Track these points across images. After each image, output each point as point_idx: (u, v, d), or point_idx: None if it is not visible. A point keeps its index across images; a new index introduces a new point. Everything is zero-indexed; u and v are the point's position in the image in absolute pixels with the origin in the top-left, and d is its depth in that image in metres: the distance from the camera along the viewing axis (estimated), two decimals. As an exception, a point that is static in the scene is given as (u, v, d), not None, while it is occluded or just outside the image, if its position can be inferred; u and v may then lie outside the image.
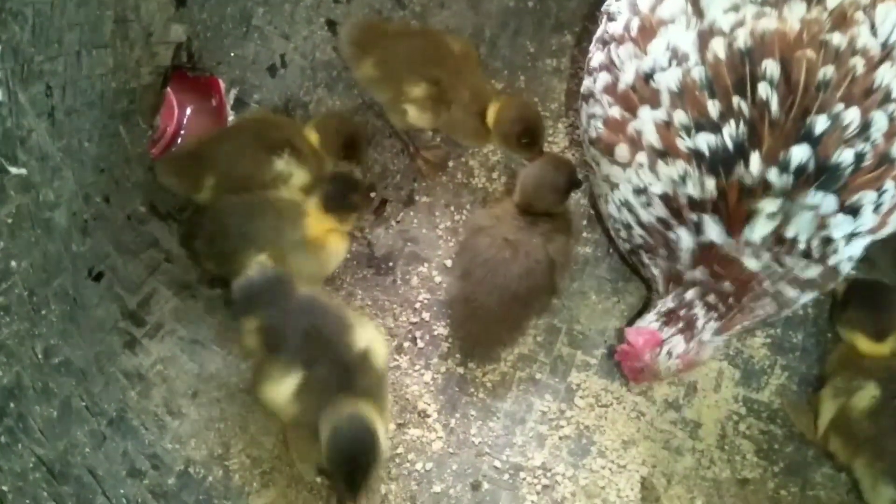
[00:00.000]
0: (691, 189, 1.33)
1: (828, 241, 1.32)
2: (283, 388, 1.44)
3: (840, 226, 1.30)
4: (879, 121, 1.25)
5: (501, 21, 2.09)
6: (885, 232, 1.37)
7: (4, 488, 1.23)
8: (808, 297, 1.41)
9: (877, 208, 1.30)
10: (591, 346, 1.78)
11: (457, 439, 1.69)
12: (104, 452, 1.47)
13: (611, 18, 1.47)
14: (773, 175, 1.27)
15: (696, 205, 1.34)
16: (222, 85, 2.10)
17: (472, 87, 1.83)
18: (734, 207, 1.31)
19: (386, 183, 2.00)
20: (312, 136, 1.86)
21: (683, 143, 1.32)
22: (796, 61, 1.24)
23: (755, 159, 1.27)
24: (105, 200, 1.73)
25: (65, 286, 1.53)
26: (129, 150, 1.84)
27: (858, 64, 1.25)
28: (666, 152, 1.34)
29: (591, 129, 1.48)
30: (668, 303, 1.42)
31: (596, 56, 1.49)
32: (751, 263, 1.34)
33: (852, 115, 1.25)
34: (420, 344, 1.80)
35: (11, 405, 1.28)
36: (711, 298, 1.37)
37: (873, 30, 1.26)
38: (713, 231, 1.34)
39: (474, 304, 1.65)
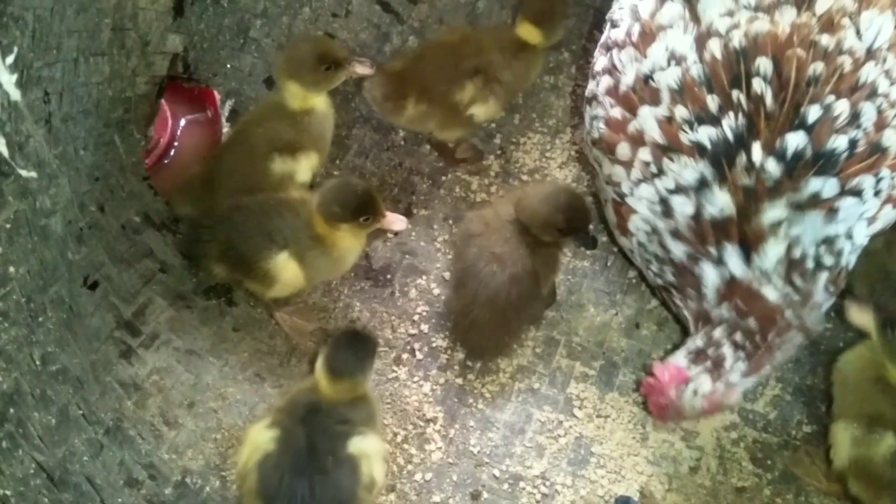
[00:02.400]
0: (711, 206, 1.39)
1: (831, 242, 1.39)
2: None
3: (848, 210, 1.37)
4: (868, 112, 1.35)
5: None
6: (877, 227, 1.45)
7: (8, 493, 1.23)
8: (828, 304, 1.48)
9: (877, 193, 1.38)
10: (590, 358, 1.82)
11: (456, 449, 1.72)
12: (102, 461, 1.47)
13: (614, 25, 1.57)
14: (772, 164, 1.35)
15: (720, 226, 1.39)
16: (217, 97, 2.14)
17: (497, 47, 1.90)
18: (748, 221, 1.37)
19: (384, 196, 2.04)
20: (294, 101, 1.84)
21: (686, 137, 1.40)
22: (787, 59, 1.34)
23: (756, 148, 1.35)
24: (100, 209, 1.75)
25: (61, 294, 1.53)
26: (123, 159, 1.86)
27: (846, 62, 1.35)
28: (669, 147, 1.42)
29: (594, 130, 1.56)
30: (697, 341, 1.46)
31: (599, 60, 1.58)
32: (770, 294, 1.40)
33: (842, 107, 1.35)
34: (419, 355, 1.83)
35: (11, 411, 1.29)
36: (738, 337, 1.42)
37: (858, 34, 1.37)
38: (733, 261, 1.40)
39: (472, 316, 1.70)
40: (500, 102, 1.95)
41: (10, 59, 1.31)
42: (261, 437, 1.45)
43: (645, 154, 1.45)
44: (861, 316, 1.56)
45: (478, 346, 1.78)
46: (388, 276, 1.94)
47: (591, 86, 1.59)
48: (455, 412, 1.76)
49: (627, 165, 1.48)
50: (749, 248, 1.39)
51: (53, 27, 1.51)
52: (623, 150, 1.48)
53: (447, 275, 1.91)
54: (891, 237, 1.68)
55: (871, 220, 1.42)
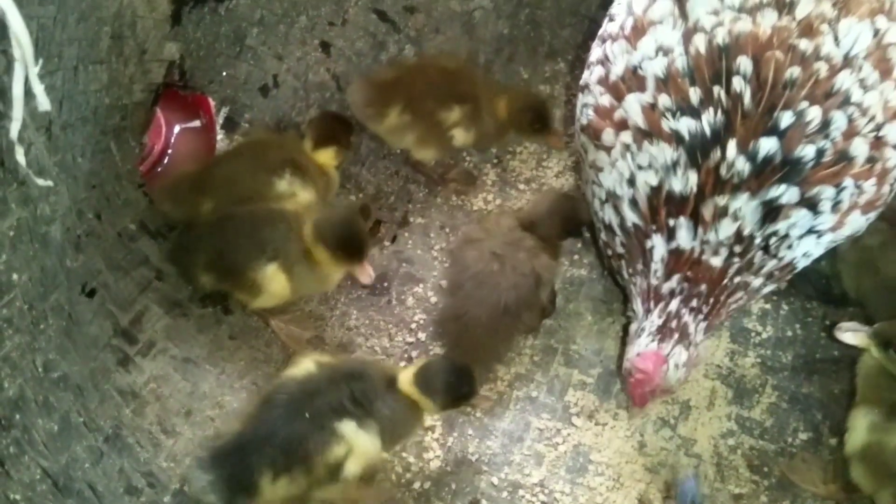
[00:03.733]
0: (676, 182, 1.49)
1: (784, 237, 1.49)
2: None
3: (800, 221, 1.47)
4: (839, 120, 1.44)
5: (496, 47, 2.24)
6: (844, 232, 1.54)
7: (17, 497, 1.27)
8: (770, 287, 1.60)
9: (835, 205, 1.48)
10: (588, 366, 1.88)
11: (454, 458, 1.77)
12: (102, 468, 1.51)
13: (610, 19, 1.68)
14: (741, 163, 1.45)
15: (676, 202, 1.50)
16: (212, 104, 2.19)
17: (485, 90, 2.00)
18: (707, 204, 1.48)
19: (380, 204, 2.10)
20: (320, 156, 1.95)
21: (667, 124, 1.49)
22: (766, 60, 1.44)
23: (731, 146, 1.45)
24: (97, 217, 1.79)
25: (61, 301, 1.57)
26: (119, 166, 1.91)
27: (822, 68, 1.44)
28: (650, 132, 1.52)
29: (583, 116, 1.67)
30: (655, 320, 1.56)
31: (594, 51, 1.69)
32: (715, 261, 1.51)
33: (814, 114, 1.43)
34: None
35: (17, 417, 1.33)
36: (694, 303, 1.54)
37: (836, 41, 1.45)
38: (683, 236, 1.51)
39: (465, 319, 1.76)
40: (479, 137, 2.03)
41: (38, 69, 1.35)
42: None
43: (626, 137, 1.55)
44: (856, 338, 1.65)
45: (467, 354, 1.78)
46: (385, 285, 1.99)
47: (585, 75, 1.70)
48: (453, 420, 1.81)
49: (609, 151, 1.59)
50: (698, 223, 1.49)
51: (55, 36, 1.56)
52: (608, 136, 1.59)
53: (444, 283, 1.97)
54: (888, 236, 1.76)
55: (825, 233, 1.51)
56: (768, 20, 1.46)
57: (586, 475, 1.75)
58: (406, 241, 2.06)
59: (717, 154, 1.46)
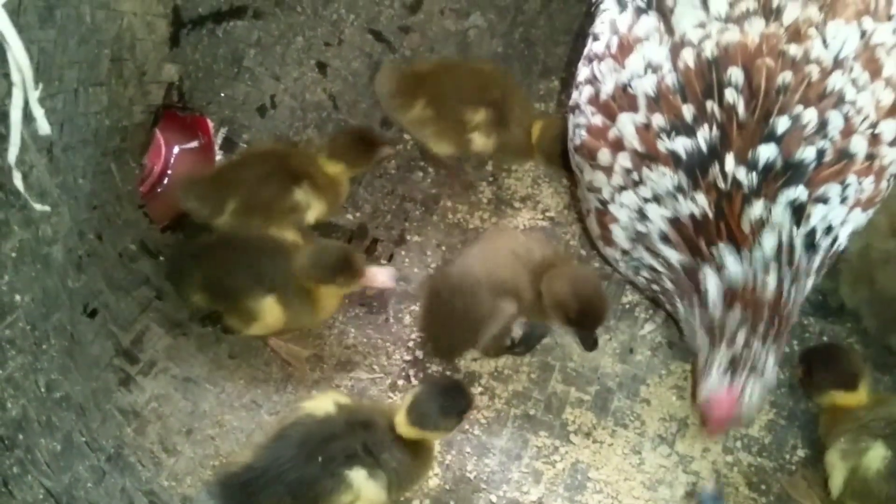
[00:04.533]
0: (683, 207, 1.52)
1: (812, 233, 1.51)
2: None
3: (818, 215, 1.50)
4: (835, 120, 1.47)
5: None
6: (848, 229, 1.57)
7: (21, 516, 1.32)
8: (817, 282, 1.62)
9: (843, 200, 1.51)
10: (585, 383, 1.92)
11: (453, 476, 1.81)
12: (104, 488, 1.55)
13: (595, 38, 1.71)
14: (743, 174, 1.47)
15: (702, 227, 1.51)
16: (211, 124, 2.24)
17: (520, 103, 2.06)
18: (737, 220, 1.49)
19: (377, 223, 2.15)
20: (329, 168, 2.01)
21: (663, 145, 1.52)
22: (757, 69, 1.47)
23: (730, 159, 1.47)
24: (98, 237, 1.84)
25: (63, 322, 1.62)
26: (119, 187, 1.96)
27: (814, 71, 1.48)
28: (647, 155, 1.54)
29: (577, 137, 1.69)
30: (723, 354, 1.54)
31: (582, 72, 1.72)
32: (770, 281, 1.51)
33: (810, 116, 1.47)
34: (414, 381, 1.93)
35: (20, 437, 1.37)
36: (761, 329, 1.52)
37: (825, 44, 1.49)
38: (731, 262, 1.50)
39: (445, 300, 1.80)
40: (499, 146, 2.08)
41: (38, 93, 1.40)
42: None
43: (625, 160, 1.58)
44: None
45: (440, 337, 1.83)
46: (383, 303, 2.04)
47: (574, 95, 1.74)
48: (451, 438, 1.85)
49: (608, 171, 1.61)
50: (738, 244, 1.50)
51: (56, 59, 1.61)
52: (604, 155, 1.61)
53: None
54: (891, 253, 1.80)
55: (842, 224, 1.55)
56: (756, 28, 1.50)
57: (584, 493, 1.79)
58: (403, 259, 2.11)
59: (715, 169, 1.48)
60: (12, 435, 1.35)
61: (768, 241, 1.49)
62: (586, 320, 1.72)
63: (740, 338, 1.52)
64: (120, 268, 1.89)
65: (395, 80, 2.08)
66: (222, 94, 2.23)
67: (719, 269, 1.52)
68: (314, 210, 1.97)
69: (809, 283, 1.57)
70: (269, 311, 1.81)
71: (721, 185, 1.48)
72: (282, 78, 2.25)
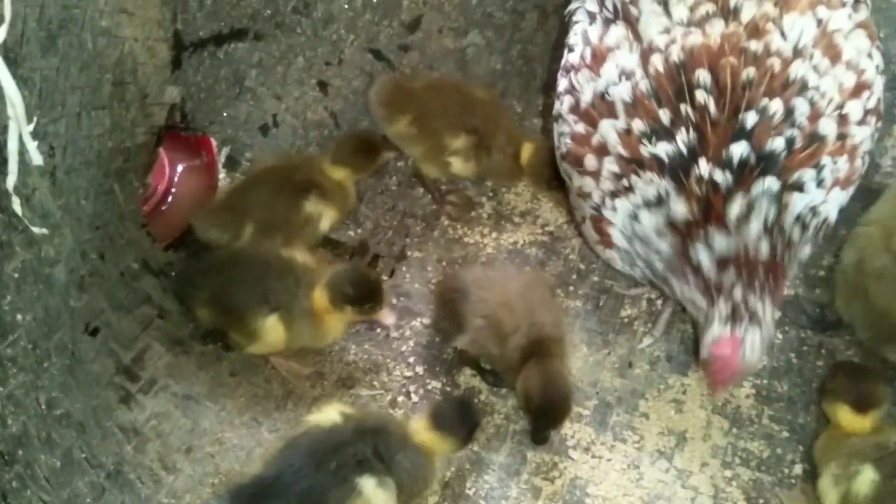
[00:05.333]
0: (678, 209, 1.57)
1: (813, 211, 1.57)
2: None
3: (797, 202, 1.55)
4: (801, 106, 1.54)
5: (489, 83, 2.33)
6: (830, 207, 1.61)
7: (18, 532, 1.36)
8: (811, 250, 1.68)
9: (820, 184, 1.56)
10: (583, 398, 1.94)
11: (452, 493, 1.82)
12: (104, 504, 1.59)
13: (570, 50, 1.78)
14: (719, 175, 1.53)
15: (691, 222, 1.56)
16: (214, 144, 2.30)
17: (505, 130, 2.09)
18: (722, 211, 1.54)
19: (378, 239, 2.18)
20: (334, 173, 2.06)
21: (646, 150, 1.58)
22: (722, 68, 1.54)
23: (706, 161, 1.53)
24: (100, 257, 1.89)
25: (64, 340, 1.66)
26: (122, 207, 2.00)
27: (775, 63, 1.54)
28: (633, 160, 1.60)
29: (562, 145, 1.76)
30: (723, 308, 1.59)
31: (561, 82, 1.79)
32: (763, 251, 1.56)
33: (776, 106, 1.53)
34: (414, 398, 1.95)
35: (20, 452, 1.41)
36: (757, 284, 1.57)
37: (784, 36, 1.56)
38: (721, 242, 1.56)
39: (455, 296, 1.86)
40: (482, 170, 2.13)
41: (31, 127, 1.46)
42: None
43: (612, 164, 1.63)
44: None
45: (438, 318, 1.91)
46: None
47: (556, 105, 1.80)
48: (450, 455, 1.87)
49: (595, 176, 1.67)
50: (729, 230, 1.55)
51: (59, 85, 1.67)
52: (590, 161, 1.67)
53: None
54: (885, 267, 1.80)
55: (824, 203, 1.59)
56: (717, 29, 1.57)
57: (583, 508, 1.81)
58: (404, 275, 2.14)
59: (696, 170, 1.54)
60: (12, 450, 1.39)
61: (754, 227, 1.54)
62: (543, 419, 1.78)
63: (737, 292, 1.57)
64: (122, 287, 1.93)
65: (386, 91, 2.14)
66: (225, 115, 2.28)
67: (709, 248, 1.57)
68: (327, 217, 2.03)
69: (806, 249, 1.63)
70: (272, 330, 1.84)
71: (700, 188, 1.54)
72: (283, 97, 2.30)
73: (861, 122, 1.59)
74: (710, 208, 1.54)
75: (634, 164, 1.60)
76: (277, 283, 1.84)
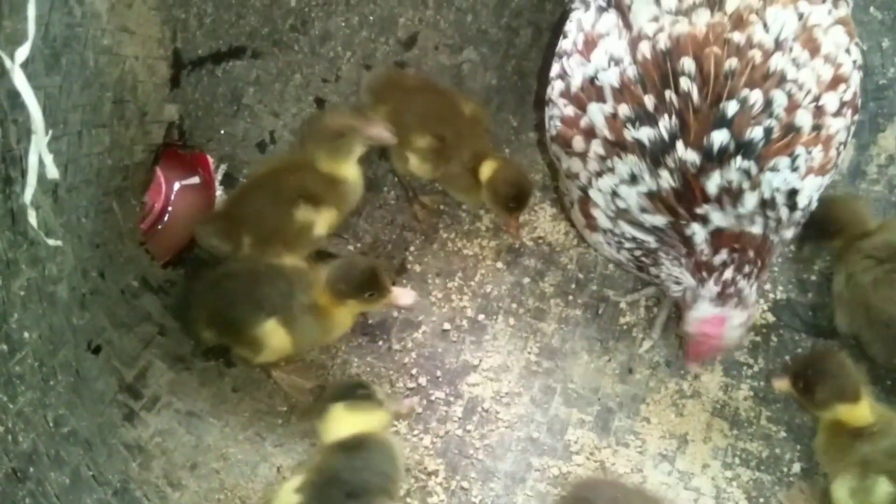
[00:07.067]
0: (663, 181, 1.61)
1: (793, 192, 1.62)
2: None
3: (771, 181, 1.60)
4: (779, 98, 1.58)
5: (485, 97, 2.35)
6: (805, 195, 1.65)
7: (34, 548, 1.34)
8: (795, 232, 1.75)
9: (794, 170, 1.61)
10: (586, 404, 1.95)
11: (458, 501, 1.83)
12: (112, 522, 1.58)
13: (564, 36, 1.84)
14: (696, 157, 1.58)
15: (682, 196, 1.61)
16: (211, 161, 2.30)
17: (473, 148, 2.09)
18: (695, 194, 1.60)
19: (378, 253, 2.19)
20: (323, 166, 2.01)
21: (629, 134, 1.63)
22: (706, 57, 1.58)
23: (680, 146, 1.58)
24: (100, 275, 1.88)
25: (68, 358, 1.65)
26: (121, 225, 2.00)
27: (756, 55, 1.59)
28: (616, 142, 1.65)
29: (552, 128, 1.82)
30: (712, 288, 1.65)
31: (553, 67, 1.85)
32: (756, 229, 1.62)
33: (756, 97, 1.57)
34: (417, 409, 1.95)
35: (31, 469, 1.40)
36: (746, 269, 1.63)
37: (766, 28, 1.61)
38: (717, 217, 1.61)
39: None
40: (434, 174, 2.16)
41: (47, 138, 1.47)
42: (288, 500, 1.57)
43: (598, 147, 1.68)
44: (783, 384, 1.76)
45: None
46: (385, 331, 2.07)
47: (548, 90, 1.85)
48: (456, 464, 1.88)
49: (583, 157, 1.72)
50: (723, 205, 1.60)
51: (61, 103, 1.67)
52: (578, 143, 1.72)
53: (443, 327, 2.06)
54: (878, 273, 1.85)
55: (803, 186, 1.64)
56: (702, 19, 1.62)
57: (589, 513, 1.81)
58: (404, 287, 2.14)
59: (675, 155, 1.59)
60: (24, 468, 1.39)
61: (750, 199, 1.59)
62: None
63: (727, 275, 1.63)
64: (122, 304, 1.93)
65: (378, 80, 2.18)
66: (222, 132, 2.29)
67: (705, 223, 1.62)
68: (323, 221, 2.00)
69: (789, 234, 1.70)
70: (273, 335, 1.84)
71: (679, 168, 1.59)
72: (281, 114, 2.31)
73: (836, 114, 1.64)
74: (687, 185, 1.60)
75: (618, 147, 1.65)
76: (268, 288, 1.85)
